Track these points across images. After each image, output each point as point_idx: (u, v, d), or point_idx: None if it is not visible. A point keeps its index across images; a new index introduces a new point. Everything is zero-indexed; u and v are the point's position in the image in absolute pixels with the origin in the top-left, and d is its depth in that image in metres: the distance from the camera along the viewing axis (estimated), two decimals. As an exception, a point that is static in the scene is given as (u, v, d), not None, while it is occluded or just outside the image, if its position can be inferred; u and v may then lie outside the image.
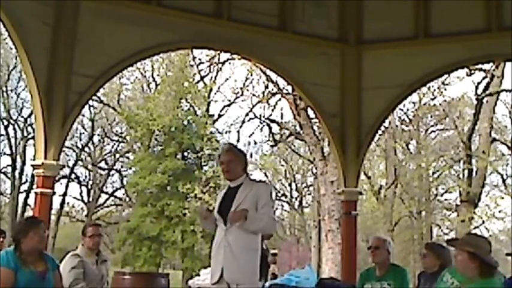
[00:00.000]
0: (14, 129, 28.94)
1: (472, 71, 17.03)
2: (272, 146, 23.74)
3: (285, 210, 33.81)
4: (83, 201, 31.82)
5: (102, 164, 32.06)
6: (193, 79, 23.58)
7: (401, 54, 6.98)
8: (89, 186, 31.64)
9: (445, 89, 18.69)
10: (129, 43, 6.31)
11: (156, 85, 26.45)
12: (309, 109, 13.32)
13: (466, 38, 6.71)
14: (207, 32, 6.63)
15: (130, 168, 29.14)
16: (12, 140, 28.85)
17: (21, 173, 28.75)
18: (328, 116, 7.11)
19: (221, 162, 4.55)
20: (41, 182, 5.88)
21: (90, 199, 31.44)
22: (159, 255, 25.71)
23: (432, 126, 25.93)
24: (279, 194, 31.86)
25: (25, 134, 28.69)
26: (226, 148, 4.62)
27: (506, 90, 19.65)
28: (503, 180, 23.53)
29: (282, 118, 20.51)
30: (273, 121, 19.74)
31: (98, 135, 31.35)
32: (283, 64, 6.99)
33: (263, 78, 16.82)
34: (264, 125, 20.13)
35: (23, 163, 28.45)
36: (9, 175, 29.26)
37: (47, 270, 4.41)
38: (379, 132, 12.48)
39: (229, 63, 18.80)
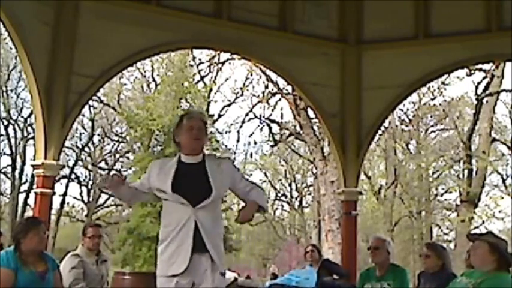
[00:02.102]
0: (14, 129, 28.93)
1: (472, 71, 17.05)
2: (272, 146, 23.76)
3: (285, 210, 33.86)
4: (83, 201, 31.81)
5: (102, 164, 32.05)
6: (193, 79, 23.58)
7: (401, 54, 6.98)
8: (89, 186, 31.63)
9: (445, 89, 18.77)
10: (129, 43, 6.31)
11: (156, 85, 26.44)
12: (309, 109, 13.33)
13: (466, 38, 6.72)
14: (207, 32, 6.63)
15: (130, 168, 29.13)
16: (12, 140, 28.83)
17: (21, 173, 28.74)
18: (328, 116, 7.11)
19: (191, 126, 3.71)
20: (41, 182, 5.88)
21: (90, 199, 31.43)
22: (159, 255, 25.65)
23: (432, 126, 25.95)
24: (279, 194, 31.90)
25: (25, 134, 28.67)
26: (199, 113, 3.96)
27: (506, 90, 19.68)
28: (503, 180, 23.54)
29: (282, 118, 20.56)
30: (273, 121, 19.76)
31: (98, 135, 31.34)
32: (283, 64, 6.99)
33: (263, 78, 16.86)
34: (264, 125, 20.16)
35: (23, 163, 28.43)
36: (9, 175, 29.25)
37: (47, 270, 4.41)
38: (379, 132, 12.49)
39: (229, 63, 18.83)
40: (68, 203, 31.35)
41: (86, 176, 31.74)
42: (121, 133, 30.86)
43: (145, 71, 27.13)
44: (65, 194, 29.66)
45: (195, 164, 3.72)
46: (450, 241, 24.63)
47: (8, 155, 28.84)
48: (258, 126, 20.26)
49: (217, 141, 23.28)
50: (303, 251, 7.38)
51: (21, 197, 28.63)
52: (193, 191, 3.62)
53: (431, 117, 25.06)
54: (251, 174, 26.74)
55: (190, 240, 3.53)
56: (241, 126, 20.19)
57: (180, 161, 3.75)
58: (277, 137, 21.58)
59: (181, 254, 3.52)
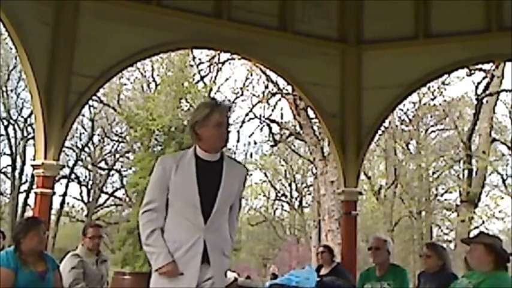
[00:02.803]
0: (14, 129, 28.95)
1: (472, 71, 17.05)
2: (272, 146, 23.73)
3: (285, 210, 33.85)
4: (83, 201, 31.82)
5: (102, 164, 32.05)
6: (193, 79, 23.57)
7: (401, 54, 6.98)
8: (89, 186, 31.63)
9: (445, 89, 18.76)
10: (129, 43, 6.30)
11: (156, 85, 26.43)
12: (309, 109, 13.32)
13: (466, 38, 6.71)
14: (207, 32, 6.63)
15: (130, 168, 29.15)
16: (12, 140, 28.84)
17: (21, 173, 28.74)
18: (328, 116, 7.10)
19: (221, 122, 3.26)
20: (41, 182, 5.87)
21: (90, 199, 31.43)
22: (159, 255, 25.68)
23: (432, 126, 25.95)
24: (279, 194, 31.90)
25: (25, 134, 28.68)
26: (230, 107, 3.45)
27: (506, 90, 19.69)
28: (503, 180, 23.54)
29: (282, 118, 20.53)
30: (273, 121, 19.75)
31: (98, 135, 31.35)
32: (283, 64, 6.99)
33: (263, 78, 16.84)
34: (264, 125, 20.13)
35: (23, 163, 28.43)
36: (9, 175, 29.25)
37: (47, 270, 4.41)
38: (379, 132, 12.49)
39: (229, 63, 18.80)
40: (68, 203, 31.41)
41: (86, 176, 31.79)
42: (121, 133, 30.87)
43: (145, 71, 27.14)
44: (65, 194, 29.70)
45: (213, 162, 3.30)
46: (450, 241, 24.62)
47: (8, 155, 28.87)
48: (258, 126, 20.24)
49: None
50: (315, 252, 7.40)
51: (21, 197, 28.67)
52: (209, 197, 3.22)
53: (431, 117, 25.06)
54: (251, 174, 26.74)
55: (197, 266, 3.17)
56: (241, 126, 20.14)
57: (197, 157, 3.29)
58: (277, 137, 21.56)
59: (184, 281, 3.16)
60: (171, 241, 3.20)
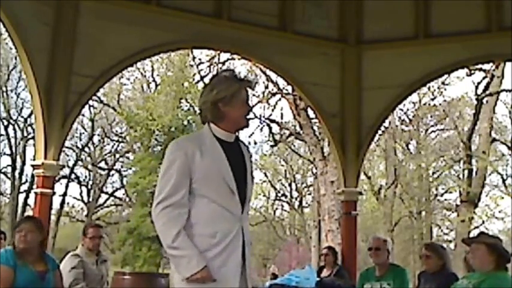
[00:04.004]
0: (14, 129, 28.95)
1: (472, 71, 17.05)
2: (272, 146, 23.72)
3: (285, 210, 33.86)
4: (83, 201, 31.83)
5: (102, 164, 32.06)
6: (193, 79, 23.57)
7: (401, 54, 6.97)
8: (89, 186, 31.64)
9: (445, 89, 18.76)
10: (129, 43, 6.30)
11: (156, 85, 26.46)
12: (309, 109, 13.32)
13: (466, 38, 6.71)
14: (207, 32, 6.62)
15: (130, 168, 29.15)
16: (12, 140, 28.85)
17: (21, 173, 28.74)
18: (328, 116, 7.10)
19: (246, 101, 2.95)
20: (41, 182, 5.87)
21: (90, 199, 31.44)
22: (159, 255, 25.68)
23: (432, 126, 25.96)
24: (279, 194, 31.90)
25: (25, 134, 28.69)
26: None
27: (506, 90, 19.69)
28: (503, 180, 23.55)
29: (282, 118, 20.51)
30: (273, 121, 19.73)
31: (98, 135, 31.36)
32: (283, 64, 6.98)
33: (263, 78, 16.83)
34: (264, 125, 20.11)
35: (23, 163, 28.44)
36: (9, 175, 29.26)
37: (47, 270, 4.41)
38: (379, 132, 12.48)
39: (229, 63, 18.80)
40: (68, 203, 31.43)
41: (86, 176, 31.80)
42: (121, 133, 30.89)
43: (145, 71, 27.18)
44: (65, 194, 29.71)
45: (231, 143, 2.94)
46: (450, 241, 24.63)
47: (8, 155, 28.88)
48: (258, 126, 20.20)
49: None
50: (318, 252, 7.42)
51: (21, 197, 28.68)
52: (240, 182, 2.85)
53: (431, 117, 25.07)
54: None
55: (237, 260, 2.79)
56: (241, 126, 20.12)
57: (217, 138, 2.90)
58: (277, 137, 21.55)
59: (225, 278, 2.75)
60: (207, 235, 2.75)
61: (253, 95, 19.61)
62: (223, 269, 2.74)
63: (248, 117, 2.99)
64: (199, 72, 22.71)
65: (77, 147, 30.42)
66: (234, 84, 2.91)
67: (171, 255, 2.76)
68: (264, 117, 19.35)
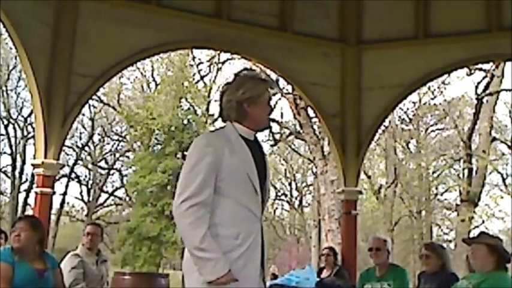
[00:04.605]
0: (14, 128, 28.99)
1: (472, 71, 17.06)
2: (272, 146, 23.76)
3: (285, 210, 33.88)
4: (83, 200, 31.85)
5: (102, 164, 32.08)
6: (193, 79, 23.59)
7: (401, 54, 6.97)
8: (89, 186, 31.66)
9: (445, 89, 18.78)
10: (129, 43, 6.30)
11: (156, 85, 26.47)
12: (309, 108, 13.32)
13: (466, 38, 6.71)
14: (207, 32, 6.62)
15: (130, 168, 29.14)
16: (12, 140, 28.88)
17: (21, 173, 28.77)
18: (328, 116, 7.10)
19: (269, 101, 2.99)
20: (41, 181, 5.87)
21: (90, 198, 31.45)
22: (159, 255, 25.69)
23: (432, 125, 25.98)
24: (279, 194, 31.92)
25: (25, 133, 28.71)
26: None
27: (506, 90, 19.69)
28: (503, 180, 23.56)
29: (282, 117, 20.55)
30: (273, 120, 19.75)
31: (98, 134, 31.39)
32: (283, 64, 6.98)
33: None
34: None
35: (23, 162, 28.46)
36: (9, 174, 29.28)
37: (46, 269, 4.42)
38: (379, 131, 12.49)
39: (229, 63, 18.82)
40: (68, 203, 31.46)
41: (86, 176, 31.81)
42: (121, 132, 30.91)
43: (145, 71, 27.19)
44: (65, 194, 29.73)
45: (253, 142, 2.94)
46: (450, 241, 24.64)
47: (8, 154, 28.91)
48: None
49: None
50: (318, 252, 7.43)
51: (21, 196, 28.71)
52: (261, 182, 2.84)
53: (431, 116, 25.09)
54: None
55: (258, 261, 2.78)
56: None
57: (241, 136, 2.89)
58: (277, 136, 21.57)
59: (247, 278, 2.72)
60: (231, 236, 2.72)
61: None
62: (245, 270, 2.71)
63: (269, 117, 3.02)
64: (199, 72, 22.74)
65: (77, 146, 30.46)
66: (260, 85, 2.93)
67: (196, 257, 2.66)
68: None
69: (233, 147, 2.79)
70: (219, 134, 2.88)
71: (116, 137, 31.53)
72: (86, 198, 31.65)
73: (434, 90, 19.12)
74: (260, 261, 2.79)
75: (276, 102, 18.53)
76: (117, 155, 31.73)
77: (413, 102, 21.90)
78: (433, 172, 25.70)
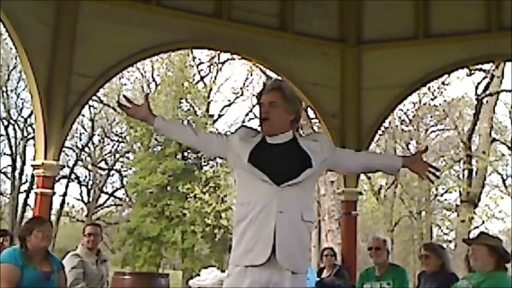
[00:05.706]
0: (14, 129, 28.93)
1: (472, 71, 17.05)
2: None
3: (285, 210, 33.77)
4: (83, 201, 31.80)
5: (102, 164, 32.03)
6: (193, 79, 23.59)
7: (401, 54, 6.98)
8: (89, 187, 31.62)
9: (445, 89, 18.75)
10: (129, 43, 6.31)
11: (156, 85, 26.45)
12: (308, 109, 13.32)
13: (466, 38, 6.72)
14: (207, 32, 6.63)
15: (130, 169, 29.12)
16: (12, 140, 28.83)
17: (21, 173, 28.73)
18: (328, 116, 7.11)
19: (260, 103, 3.10)
20: (41, 182, 5.88)
21: (90, 199, 31.41)
22: (159, 256, 25.69)
23: (432, 126, 25.93)
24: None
25: (25, 134, 28.67)
26: (274, 86, 3.14)
27: (506, 90, 19.66)
28: (503, 181, 23.51)
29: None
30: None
31: (98, 135, 31.33)
32: (283, 64, 6.99)
33: (263, 78, 16.84)
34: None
35: (23, 163, 28.42)
36: (9, 175, 29.24)
37: (52, 271, 4.45)
38: (379, 132, 12.48)
39: (229, 63, 18.83)
40: (68, 203, 31.39)
41: (86, 176, 31.76)
42: (121, 133, 30.86)
43: (145, 71, 27.16)
44: (65, 194, 29.68)
45: (281, 144, 3.06)
46: (450, 241, 24.60)
47: (8, 155, 28.86)
48: (258, 126, 20.27)
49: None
50: (318, 253, 7.44)
51: (21, 197, 28.65)
52: (277, 168, 2.96)
53: (431, 117, 25.05)
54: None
55: (271, 227, 2.85)
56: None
57: (263, 139, 3.10)
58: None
59: (259, 240, 2.86)
60: (243, 204, 3.16)
61: (253, 95, 19.66)
62: (260, 232, 2.87)
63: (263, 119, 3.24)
64: (199, 72, 22.74)
65: (77, 147, 30.41)
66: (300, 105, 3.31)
67: None
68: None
69: (249, 137, 3.11)
70: (252, 131, 3.21)
71: (115, 138, 31.51)
72: (85, 199, 31.63)
73: (434, 90, 19.10)
74: (273, 232, 2.87)
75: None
76: (117, 155, 31.71)
77: (413, 103, 21.89)
78: (433, 172, 25.63)
